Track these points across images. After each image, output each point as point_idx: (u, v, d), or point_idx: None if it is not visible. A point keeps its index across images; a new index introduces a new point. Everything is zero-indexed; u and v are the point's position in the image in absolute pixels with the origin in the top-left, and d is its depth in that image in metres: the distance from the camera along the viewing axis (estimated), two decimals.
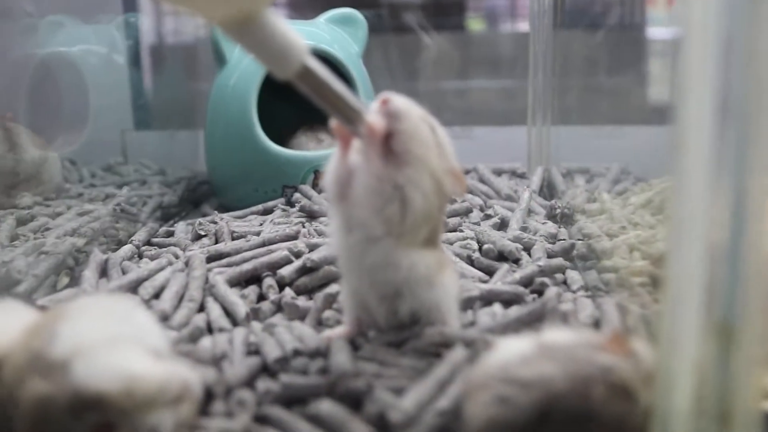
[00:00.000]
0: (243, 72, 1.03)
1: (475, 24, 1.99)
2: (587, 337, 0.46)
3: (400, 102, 0.54)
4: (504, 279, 0.70)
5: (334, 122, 0.54)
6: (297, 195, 0.97)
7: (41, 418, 0.44)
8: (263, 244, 0.77)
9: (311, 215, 0.89)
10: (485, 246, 0.77)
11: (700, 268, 0.39)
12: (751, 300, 0.39)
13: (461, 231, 0.83)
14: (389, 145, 0.53)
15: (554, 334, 0.46)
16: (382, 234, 0.53)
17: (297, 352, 0.55)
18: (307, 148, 1.07)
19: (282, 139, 1.07)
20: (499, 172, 1.17)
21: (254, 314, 0.65)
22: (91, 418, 0.44)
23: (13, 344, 0.48)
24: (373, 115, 0.53)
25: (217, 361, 0.54)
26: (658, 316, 0.42)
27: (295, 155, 1.02)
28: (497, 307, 0.64)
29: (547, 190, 1.10)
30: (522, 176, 1.17)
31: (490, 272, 0.74)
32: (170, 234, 0.92)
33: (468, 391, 0.45)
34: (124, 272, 0.76)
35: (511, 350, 0.45)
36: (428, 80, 1.66)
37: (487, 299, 0.66)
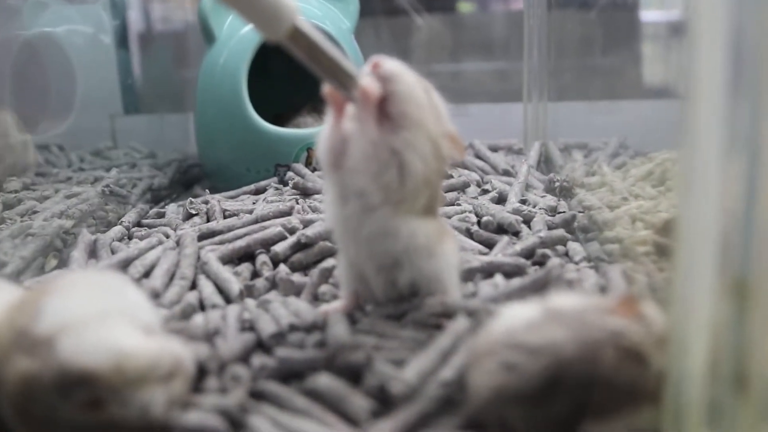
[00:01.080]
0: (232, 49, 1.00)
1: (464, 6, 1.98)
2: (596, 301, 0.44)
3: (393, 64, 0.52)
4: (504, 251, 0.69)
5: (326, 87, 0.52)
6: (290, 173, 0.95)
7: (27, 397, 0.43)
8: (256, 221, 0.76)
9: (305, 192, 0.88)
10: (484, 218, 0.76)
11: (713, 227, 0.38)
12: (767, 257, 0.37)
13: (459, 205, 0.82)
14: (384, 109, 0.51)
15: (561, 299, 0.44)
16: (379, 202, 0.51)
17: (293, 327, 0.53)
18: (309, 124, 1.05)
19: (282, 121, 1.05)
20: (495, 149, 1.15)
21: (248, 291, 0.63)
22: (80, 396, 0.42)
23: None
24: (366, 78, 0.51)
25: (210, 336, 0.52)
26: (671, 277, 0.40)
27: (287, 133, 1.00)
28: (499, 279, 0.62)
29: (545, 165, 1.09)
30: (519, 152, 1.15)
31: (489, 245, 0.72)
32: (161, 215, 0.90)
33: (472, 359, 0.44)
34: (113, 252, 0.74)
35: (517, 316, 0.43)
36: (421, 62, 1.64)
37: (488, 271, 0.64)
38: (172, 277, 0.65)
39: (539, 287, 0.57)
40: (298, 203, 0.80)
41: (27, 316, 0.45)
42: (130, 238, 0.81)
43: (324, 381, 0.46)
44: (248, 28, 0.99)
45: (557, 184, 0.90)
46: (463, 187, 0.89)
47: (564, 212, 0.79)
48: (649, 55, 1.25)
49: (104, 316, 0.46)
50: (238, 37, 1.00)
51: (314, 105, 1.07)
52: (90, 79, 1.24)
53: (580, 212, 0.80)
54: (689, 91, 0.37)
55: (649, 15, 1.20)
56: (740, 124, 0.37)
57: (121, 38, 1.30)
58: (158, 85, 1.38)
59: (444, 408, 0.44)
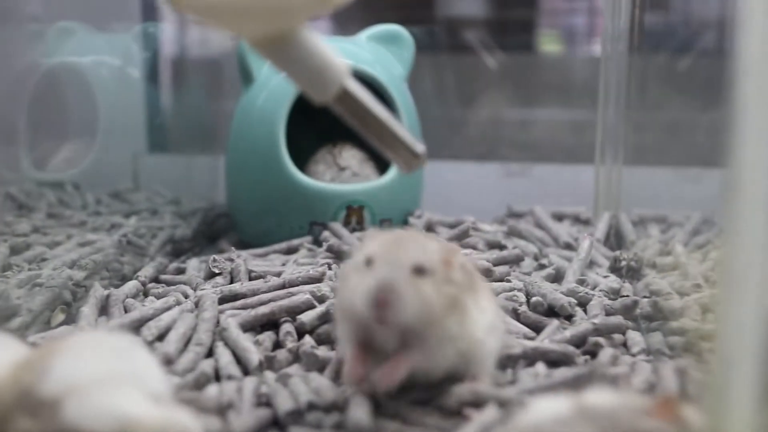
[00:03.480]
0: (272, 92, 1.07)
1: (549, 43, 2.00)
2: (634, 400, 0.48)
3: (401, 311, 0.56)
4: (553, 336, 0.73)
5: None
6: (326, 233, 1.01)
7: None
8: (283, 286, 0.81)
9: (339, 256, 0.93)
10: (534, 299, 0.80)
11: (754, 328, 0.42)
12: None
13: (509, 281, 0.86)
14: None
15: (597, 396, 0.49)
16: None
17: (311, 406, 0.58)
18: (326, 179, 1.09)
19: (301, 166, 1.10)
20: (560, 217, 1.19)
21: (268, 363, 0.68)
22: None
23: (1, 379, 0.52)
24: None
25: (222, 410, 0.57)
26: (707, 378, 0.44)
27: (325, 188, 1.06)
28: (541, 368, 0.66)
29: (615, 239, 1.12)
30: (586, 222, 1.19)
31: (537, 329, 0.76)
32: (181, 271, 0.96)
33: None
34: (126, 310, 0.80)
35: (546, 410, 0.48)
36: (485, 108, 1.69)
37: (532, 358, 0.68)
38: (187, 342, 0.71)
39: (582, 382, 0.61)
40: (330, 269, 0.85)
41: (33, 376, 0.50)
42: (146, 294, 0.87)
43: None
44: None
45: (623, 263, 0.94)
46: (516, 261, 0.93)
47: (627, 296, 0.83)
48: None
49: (112, 380, 0.51)
50: (278, 79, 1.06)
51: (330, 149, 1.12)
52: (114, 114, 1.31)
53: (645, 297, 0.83)
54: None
55: None
56: None
57: (151, 71, 1.37)
58: (188, 123, 1.44)
59: None
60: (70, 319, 0.81)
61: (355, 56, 1.08)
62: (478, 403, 0.57)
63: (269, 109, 1.06)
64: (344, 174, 1.10)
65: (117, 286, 0.87)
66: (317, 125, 1.10)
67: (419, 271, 0.56)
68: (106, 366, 0.52)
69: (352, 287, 0.58)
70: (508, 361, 0.67)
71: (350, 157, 1.11)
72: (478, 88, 1.71)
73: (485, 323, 0.61)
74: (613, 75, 1.22)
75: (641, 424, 0.46)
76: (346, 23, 1.87)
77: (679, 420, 0.46)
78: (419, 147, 0.59)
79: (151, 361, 0.56)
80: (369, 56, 1.10)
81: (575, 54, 2.03)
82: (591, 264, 0.96)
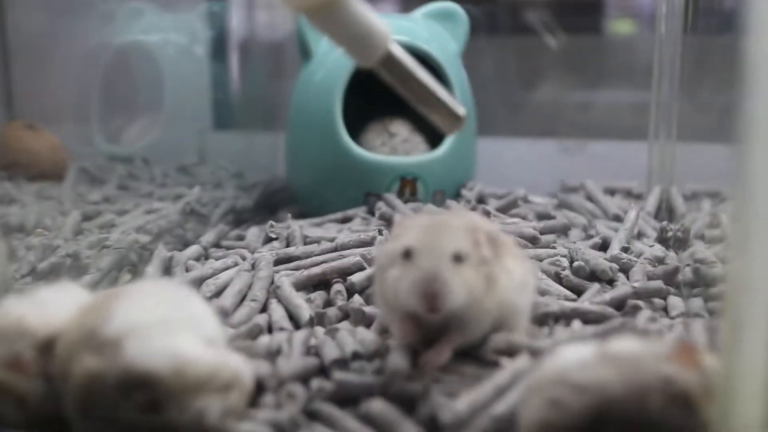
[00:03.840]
0: (329, 68, 1.10)
1: (622, 26, 2.00)
2: (656, 347, 0.51)
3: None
4: (593, 299, 0.75)
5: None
6: (380, 204, 1.04)
7: (90, 394, 0.52)
8: (335, 249, 0.85)
9: (391, 223, 0.96)
10: (576, 263, 0.82)
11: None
12: None
13: (554, 248, 0.88)
14: None
15: (621, 344, 0.51)
16: None
17: (356, 355, 0.62)
18: (377, 144, 1.13)
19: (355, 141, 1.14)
20: (612, 191, 1.21)
21: (319, 319, 0.72)
22: (139, 396, 0.51)
23: (68, 322, 0.56)
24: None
25: (272, 356, 0.61)
26: (723, 326, 0.46)
27: (380, 160, 1.09)
28: (577, 325, 0.69)
29: (666, 213, 1.13)
30: (638, 197, 1.20)
31: (579, 292, 0.78)
32: (241, 238, 1.00)
33: (525, 395, 0.51)
34: (188, 271, 0.84)
35: (571, 355, 0.51)
36: (542, 89, 1.70)
37: (569, 317, 0.70)
38: (243, 299, 0.75)
39: (611, 335, 0.63)
40: (381, 234, 0.89)
41: (97, 318, 0.54)
42: (206, 258, 0.91)
43: (377, 406, 0.54)
44: None
45: (670, 233, 0.96)
46: (563, 230, 0.95)
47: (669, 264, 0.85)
48: None
49: (170, 323, 0.55)
50: (336, 55, 1.10)
51: (406, 117, 1.15)
52: (180, 91, 1.36)
53: (687, 265, 0.85)
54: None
55: None
56: None
57: (217, 50, 1.41)
58: (251, 101, 1.49)
59: None
60: (136, 279, 0.85)
61: (411, 33, 1.10)
62: (511, 353, 0.60)
63: (327, 84, 1.10)
64: (394, 140, 1.13)
65: (180, 250, 0.92)
66: (372, 106, 1.13)
67: (458, 258, 0.58)
68: (164, 311, 0.56)
69: (396, 280, 0.59)
70: (546, 319, 0.69)
71: (400, 126, 1.14)
72: (537, 70, 1.72)
73: (515, 284, 0.63)
74: (668, 54, 1.23)
75: (661, 368, 0.48)
76: (406, 1, 1.90)
77: (697, 366, 0.48)
78: (460, 109, 0.62)
79: (207, 309, 0.60)
80: (424, 33, 1.13)
81: (636, 35, 2.02)
82: (639, 235, 0.98)
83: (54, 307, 0.59)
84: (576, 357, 0.50)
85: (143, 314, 0.55)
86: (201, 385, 0.52)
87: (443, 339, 0.60)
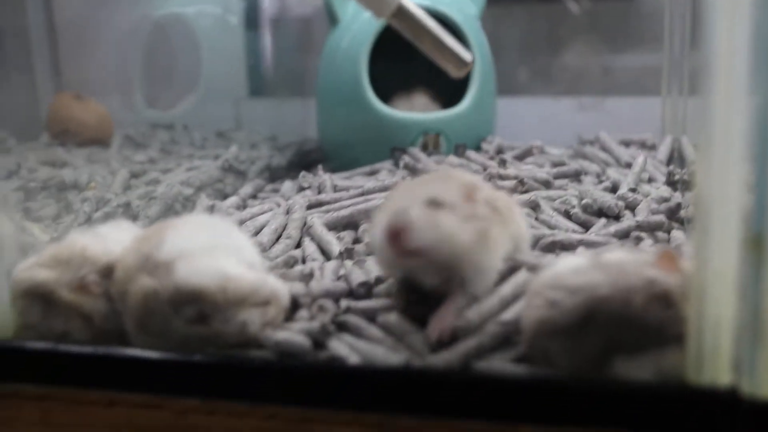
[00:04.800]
0: (355, 33, 1.16)
1: None
2: (642, 256, 0.56)
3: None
4: (598, 232, 0.80)
5: None
6: (405, 157, 1.10)
7: (146, 310, 0.59)
8: (362, 194, 0.91)
9: (414, 172, 1.02)
10: (584, 201, 0.87)
11: (734, 187, 0.49)
12: None
13: (566, 190, 0.94)
14: None
15: (611, 254, 0.57)
16: None
17: (378, 280, 0.68)
18: (401, 108, 1.18)
19: (395, 102, 1.20)
20: (627, 143, 1.25)
21: (348, 254, 0.78)
22: (189, 311, 0.58)
23: (125, 250, 0.63)
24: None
25: (306, 278, 0.68)
26: (695, 233, 0.52)
27: (405, 117, 1.15)
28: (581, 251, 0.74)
29: (678, 161, 1.17)
30: (651, 147, 1.24)
31: (587, 227, 0.84)
32: (276, 191, 1.06)
33: (527, 300, 0.57)
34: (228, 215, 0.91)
35: (567, 264, 0.57)
36: (561, 52, 1.73)
37: (575, 247, 0.76)
38: (279, 237, 0.82)
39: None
40: (404, 180, 0.94)
41: (151, 245, 0.61)
42: (244, 207, 0.97)
43: (393, 318, 0.61)
44: None
45: (677, 176, 1.00)
46: (575, 176, 1.01)
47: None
48: None
49: (215, 249, 0.61)
50: (361, 21, 1.15)
51: (426, 88, 1.21)
52: (216, 60, 1.42)
53: (691, 205, 0.89)
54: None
55: None
56: None
57: (250, 20, 1.46)
58: (283, 69, 1.54)
59: (500, 344, 0.58)
60: None
61: None
62: (513, 269, 0.66)
63: (353, 47, 1.15)
64: (416, 106, 1.19)
65: (221, 202, 0.98)
66: (395, 79, 1.20)
67: (435, 203, 0.58)
68: (209, 238, 0.63)
69: (374, 229, 0.62)
70: (553, 247, 0.75)
71: (421, 96, 1.21)
72: (555, 33, 1.74)
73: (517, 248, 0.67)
74: (678, 12, 1.27)
75: (644, 271, 0.54)
76: None
77: (677, 270, 0.54)
78: (467, 55, 0.68)
79: (247, 239, 0.67)
80: None
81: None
82: (650, 180, 1.02)
83: (112, 238, 0.66)
84: (570, 265, 0.56)
85: (191, 241, 0.61)
86: (243, 300, 0.59)
87: (445, 302, 0.61)
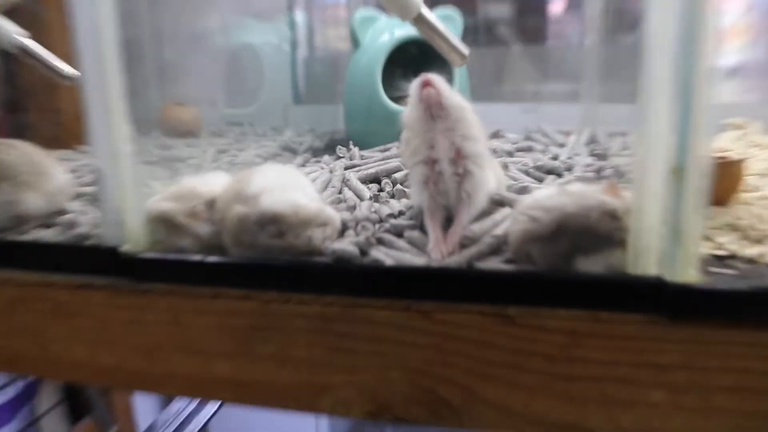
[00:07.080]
0: (372, 53, 1.12)
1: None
2: (595, 187, 0.54)
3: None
4: (550, 183, 0.78)
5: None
6: None
7: (239, 229, 0.56)
8: (382, 160, 0.88)
9: None
10: (538, 163, 0.85)
11: (666, 132, 0.47)
12: (695, 150, 0.46)
13: (522, 158, 0.91)
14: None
15: (573, 186, 0.55)
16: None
17: (401, 212, 0.65)
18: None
19: (401, 102, 1.16)
20: (567, 133, 1.23)
21: (375, 198, 0.75)
22: (271, 229, 0.56)
23: (223, 187, 0.60)
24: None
25: (350, 209, 0.65)
26: (635, 166, 0.49)
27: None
28: None
29: (595, 143, 1.15)
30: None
31: (540, 181, 0.81)
32: (318, 161, 1.03)
33: (513, 219, 0.54)
34: None
35: (542, 192, 0.54)
36: (509, 77, 1.70)
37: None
38: (326, 187, 0.79)
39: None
40: None
41: (242, 184, 0.58)
42: None
43: (415, 233, 0.58)
44: (384, 37, 1.11)
45: (596, 151, 0.98)
46: (528, 150, 0.98)
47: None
48: None
49: (288, 186, 0.59)
50: (376, 44, 1.12)
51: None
52: (273, 77, 1.39)
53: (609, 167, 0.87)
54: None
55: None
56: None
57: (295, 46, 1.43)
58: (318, 84, 1.51)
59: (493, 252, 0.55)
60: None
61: (409, 29, 1.11)
62: (500, 203, 0.63)
63: (370, 64, 1.12)
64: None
65: None
66: (401, 82, 1.15)
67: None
68: (284, 179, 0.60)
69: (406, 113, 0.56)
70: (523, 191, 0.72)
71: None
72: (505, 66, 1.72)
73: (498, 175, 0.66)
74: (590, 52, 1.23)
75: (597, 196, 0.51)
76: None
77: (620, 196, 0.52)
78: (465, 51, 0.65)
79: (308, 181, 0.64)
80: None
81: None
82: (577, 155, 1.00)
83: (213, 180, 0.63)
84: (545, 193, 0.54)
85: (271, 180, 0.59)
86: (309, 221, 0.56)
87: (453, 223, 0.59)
